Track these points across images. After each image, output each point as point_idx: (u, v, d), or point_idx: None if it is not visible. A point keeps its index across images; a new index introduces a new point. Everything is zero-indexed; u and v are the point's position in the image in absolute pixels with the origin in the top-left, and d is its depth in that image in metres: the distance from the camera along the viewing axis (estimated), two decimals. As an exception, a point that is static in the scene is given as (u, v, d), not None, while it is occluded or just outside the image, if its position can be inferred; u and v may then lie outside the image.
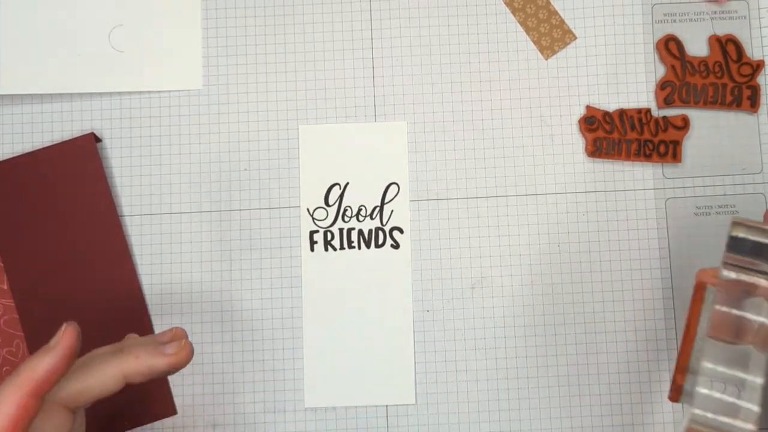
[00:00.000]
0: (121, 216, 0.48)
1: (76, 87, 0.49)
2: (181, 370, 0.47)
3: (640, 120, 0.49)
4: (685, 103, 0.49)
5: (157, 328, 0.48)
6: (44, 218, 0.48)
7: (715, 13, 0.50)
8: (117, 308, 0.48)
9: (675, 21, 0.50)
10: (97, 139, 0.49)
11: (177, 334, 0.40)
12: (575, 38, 0.50)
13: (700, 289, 0.36)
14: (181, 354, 0.38)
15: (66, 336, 0.34)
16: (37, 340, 0.47)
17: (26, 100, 0.49)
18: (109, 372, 0.37)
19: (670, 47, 0.49)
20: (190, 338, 0.48)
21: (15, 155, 0.49)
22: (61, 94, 0.49)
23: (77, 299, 0.47)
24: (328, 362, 0.47)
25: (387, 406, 0.48)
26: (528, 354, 0.48)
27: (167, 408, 0.47)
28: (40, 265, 0.48)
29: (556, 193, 0.48)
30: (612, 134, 0.48)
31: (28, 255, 0.48)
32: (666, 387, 0.47)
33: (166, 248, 0.48)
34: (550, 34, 0.50)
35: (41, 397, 0.34)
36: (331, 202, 0.48)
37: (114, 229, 0.48)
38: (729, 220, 0.35)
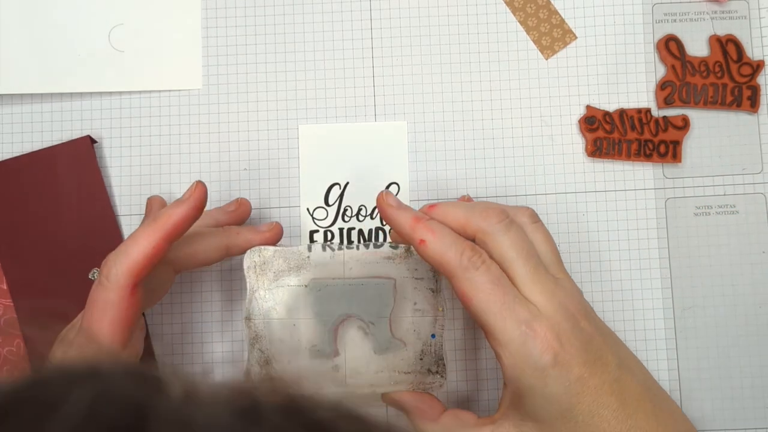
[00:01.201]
0: (121, 216, 0.48)
1: (76, 87, 0.49)
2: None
3: (640, 120, 0.48)
4: (685, 103, 0.49)
5: (155, 328, 0.48)
6: (41, 220, 0.48)
7: (716, 13, 0.49)
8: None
9: (675, 21, 0.50)
10: (93, 141, 0.49)
11: (242, 203, 0.46)
12: (575, 38, 0.50)
13: None
14: (273, 231, 0.44)
15: (197, 190, 0.39)
16: (35, 340, 0.47)
17: (26, 100, 0.49)
18: (215, 242, 0.43)
19: (670, 47, 0.49)
20: (188, 343, 0.48)
21: (15, 155, 0.48)
22: (60, 94, 0.49)
23: (74, 300, 0.47)
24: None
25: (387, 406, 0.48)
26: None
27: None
28: (37, 266, 0.48)
29: (556, 193, 0.48)
30: (612, 134, 0.48)
31: (25, 256, 0.48)
32: (665, 387, 0.47)
33: (166, 248, 0.48)
34: (550, 33, 0.50)
35: (171, 243, 0.38)
36: (331, 202, 0.48)
37: (111, 230, 0.48)
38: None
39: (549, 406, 0.37)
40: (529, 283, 0.38)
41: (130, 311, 0.38)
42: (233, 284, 0.48)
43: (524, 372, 0.37)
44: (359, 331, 0.43)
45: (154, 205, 0.45)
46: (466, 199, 0.46)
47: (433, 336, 0.43)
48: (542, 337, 0.36)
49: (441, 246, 0.38)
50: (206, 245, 0.42)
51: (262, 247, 0.43)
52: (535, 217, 0.41)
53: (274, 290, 0.43)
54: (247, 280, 0.43)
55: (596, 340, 0.38)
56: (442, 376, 0.43)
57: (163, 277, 0.42)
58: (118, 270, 0.37)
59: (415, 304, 0.43)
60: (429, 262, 0.39)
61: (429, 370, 0.43)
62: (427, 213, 0.40)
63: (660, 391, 0.39)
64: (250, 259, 0.43)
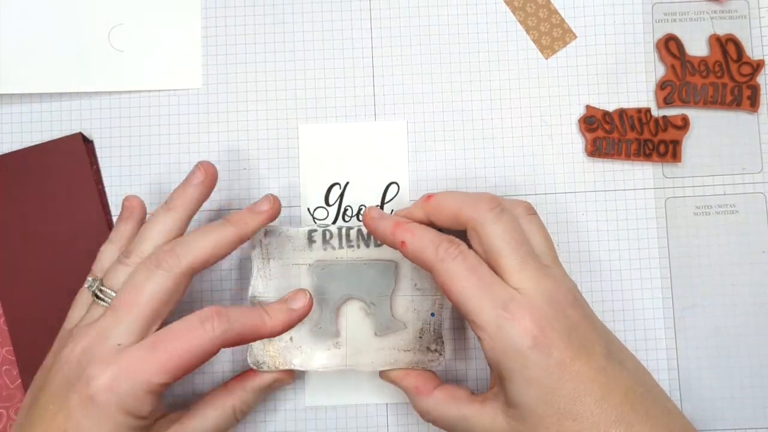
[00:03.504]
0: (117, 216, 0.48)
1: (75, 86, 0.49)
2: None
3: (639, 120, 0.48)
4: (685, 102, 0.49)
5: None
6: (30, 217, 0.48)
7: (715, 12, 0.49)
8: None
9: (675, 20, 0.50)
10: (86, 140, 0.49)
11: (274, 201, 0.44)
12: (575, 38, 0.50)
13: None
14: (274, 207, 0.43)
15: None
16: (23, 338, 0.47)
17: (25, 100, 0.49)
18: (228, 238, 0.41)
19: (670, 47, 0.49)
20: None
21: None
22: (60, 94, 0.49)
23: (63, 299, 0.47)
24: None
25: (387, 404, 0.48)
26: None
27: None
28: (25, 264, 0.48)
29: (555, 193, 0.48)
30: (612, 134, 0.48)
31: (13, 253, 0.48)
32: (665, 387, 0.47)
33: (166, 248, 0.48)
34: (550, 33, 0.50)
35: (236, 248, 0.42)
36: (331, 202, 0.48)
37: (100, 229, 0.48)
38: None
39: (530, 390, 0.37)
40: (516, 272, 0.38)
41: (174, 301, 0.40)
42: (242, 263, 0.48)
43: (504, 354, 0.37)
44: (360, 311, 0.45)
45: (136, 207, 0.44)
46: (426, 199, 0.45)
47: (432, 315, 0.45)
48: (519, 319, 0.36)
49: (419, 244, 0.40)
50: (222, 244, 0.41)
51: (267, 227, 0.45)
52: (530, 210, 0.42)
53: (278, 270, 0.45)
54: (253, 260, 0.45)
55: (582, 328, 0.38)
56: (440, 354, 0.44)
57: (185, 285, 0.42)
58: (184, 261, 0.39)
59: (415, 284, 0.45)
60: (412, 261, 0.41)
61: (428, 348, 0.44)
62: (425, 203, 0.42)
63: (655, 388, 0.39)
64: (255, 240, 0.45)
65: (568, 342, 0.37)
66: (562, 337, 0.37)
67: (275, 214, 0.43)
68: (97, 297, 0.40)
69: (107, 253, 0.43)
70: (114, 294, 0.40)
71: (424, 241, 0.40)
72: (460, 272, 0.38)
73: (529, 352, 0.36)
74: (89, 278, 0.42)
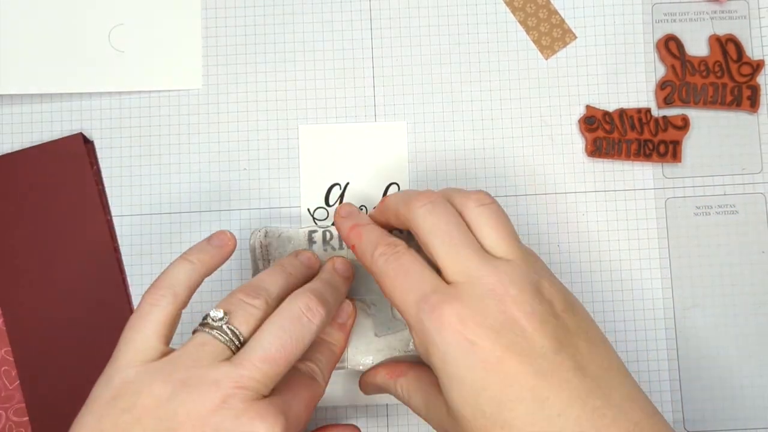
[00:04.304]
0: (120, 216, 0.48)
1: (75, 87, 0.49)
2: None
3: (639, 120, 0.49)
4: (685, 102, 0.49)
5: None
6: (30, 217, 0.48)
7: (715, 12, 0.50)
8: (101, 309, 0.47)
9: (675, 21, 0.50)
10: (86, 140, 0.49)
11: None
12: (575, 38, 0.50)
13: None
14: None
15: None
16: (21, 339, 0.47)
17: (25, 100, 0.49)
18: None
19: (670, 47, 0.49)
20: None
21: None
22: (60, 94, 0.49)
23: (62, 300, 0.47)
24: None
25: (387, 404, 0.48)
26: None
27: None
28: (24, 265, 0.48)
29: (555, 193, 0.48)
30: (612, 134, 0.48)
31: (13, 254, 0.48)
32: (665, 387, 0.47)
33: (166, 248, 0.48)
34: (550, 33, 0.50)
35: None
36: (331, 202, 0.48)
37: (101, 230, 0.48)
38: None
39: (453, 389, 0.34)
40: (447, 266, 0.36)
41: None
42: (242, 264, 0.48)
43: (427, 350, 0.35)
44: (360, 311, 0.44)
45: (229, 244, 0.41)
46: (382, 202, 0.43)
47: None
48: (439, 312, 0.34)
49: (364, 247, 0.39)
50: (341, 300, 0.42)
51: (267, 228, 0.45)
52: (483, 200, 0.38)
53: None
54: (252, 260, 0.45)
55: (522, 325, 0.33)
56: None
57: None
58: (329, 316, 0.39)
59: None
60: (362, 264, 0.40)
61: None
62: (379, 204, 0.42)
63: (626, 402, 0.34)
64: (255, 240, 0.45)
65: (497, 339, 0.33)
66: (491, 333, 0.33)
67: (352, 278, 0.44)
68: (217, 332, 0.36)
69: (183, 273, 0.38)
70: (241, 335, 0.36)
71: (367, 244, 0.39)
72: (388, 272, 0.37)
73: (448, 348, 0.33)
74: (213, 312, 0.36)
